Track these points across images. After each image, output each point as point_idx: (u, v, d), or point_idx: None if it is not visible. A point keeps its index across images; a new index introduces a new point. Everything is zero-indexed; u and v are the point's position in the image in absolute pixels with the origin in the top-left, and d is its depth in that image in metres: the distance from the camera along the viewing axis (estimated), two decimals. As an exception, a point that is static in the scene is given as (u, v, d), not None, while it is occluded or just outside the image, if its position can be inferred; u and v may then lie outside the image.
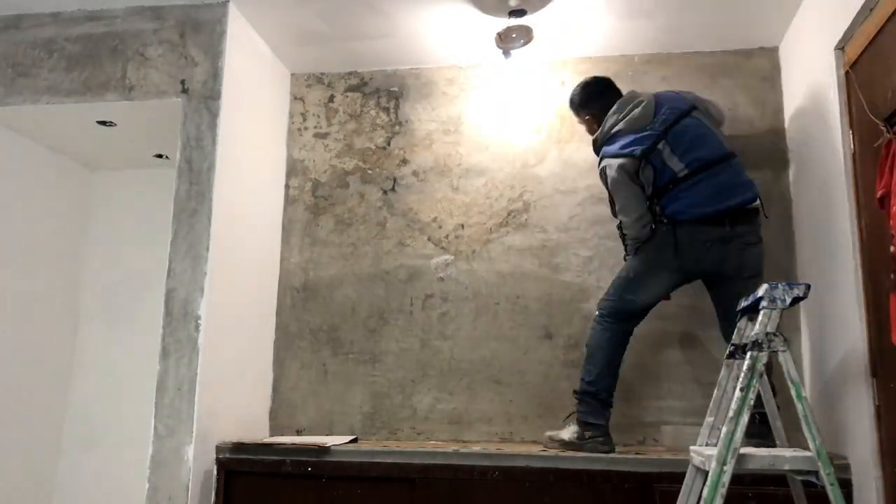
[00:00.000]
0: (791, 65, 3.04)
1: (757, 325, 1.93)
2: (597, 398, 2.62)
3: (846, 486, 2.37)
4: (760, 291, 1.94)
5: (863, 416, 2.29)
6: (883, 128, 2.06)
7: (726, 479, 1.81)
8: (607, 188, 2.75)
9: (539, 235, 3.23)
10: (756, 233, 2.62)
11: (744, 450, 1.86)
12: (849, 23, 2.28)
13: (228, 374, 2.89)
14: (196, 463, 2.63)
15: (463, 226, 3.30)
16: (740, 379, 1.89)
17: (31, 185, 3.46)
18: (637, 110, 2.70)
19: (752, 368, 1.87)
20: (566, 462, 2.57)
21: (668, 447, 2.89)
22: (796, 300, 1.92)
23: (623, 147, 2.66)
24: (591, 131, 2.92)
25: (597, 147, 2.82)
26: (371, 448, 2.70)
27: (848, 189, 2.38)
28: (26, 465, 3.42)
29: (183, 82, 2.93)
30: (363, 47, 3.30)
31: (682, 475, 2.23)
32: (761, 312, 1.93)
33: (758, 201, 2.65)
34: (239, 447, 2.76)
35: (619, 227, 2.81)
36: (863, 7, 2.17)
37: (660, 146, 2.63)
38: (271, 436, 3.21)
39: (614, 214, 2.81)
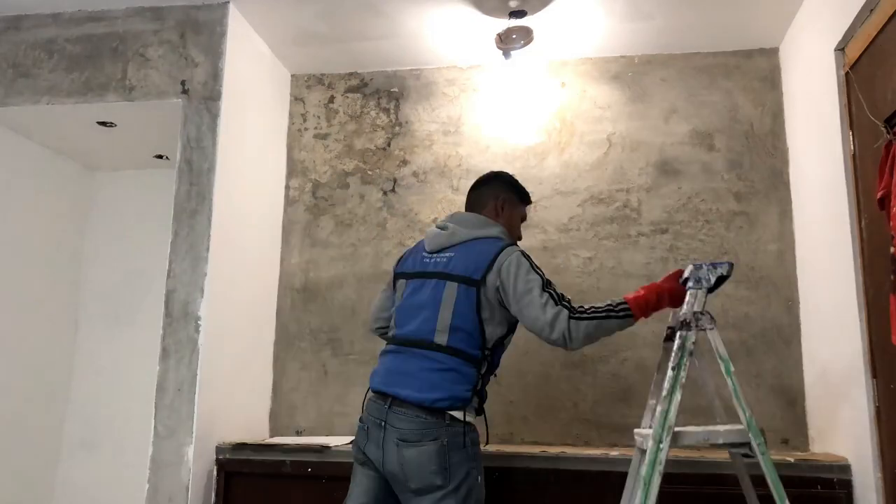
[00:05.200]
0: (791, 65, 3.04)
1: (685, 306, 1.96)
2: None
3: (846, 487, 2.37)
4: (686, 273, 1.99)
5: (863, 417, 2.28)
6: (883, 129, 2.06)
7: (663, 456, 1.84)
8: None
9: (539, 236, 3.23)
10: (423, 432, 1.95)
11: (678, 427, 1.89)
12: (849, 23, 2.28)
13: (228, 374, 2.89)
14: (196, 463, 2.63)
15: (463, 226, 3.30)
16: (672, 358, 1.92)
17: (31, 185, 3.46)
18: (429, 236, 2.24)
19: (682, 348, 1.91)
20: (566, 463, 2.57)
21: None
22: (721, 279, 1.97)
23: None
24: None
25: None
26: (371, 449, 2.69)
27: (848, 190, 2.39)
28: (26, 466, 3.42)
29: (183, 83, 2.93)
30: (363, 48, 3.30)
31: (683, 475, 2.24)
32: (688, 293, 1.97)
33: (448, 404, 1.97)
34: (239, 448, 2.76)
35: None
36: (863, 8, 2.17)
37: (404, 292, 2.16)
38: (271, 436, 3.21)
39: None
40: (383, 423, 1.99)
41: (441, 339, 2.00)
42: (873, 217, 2.20)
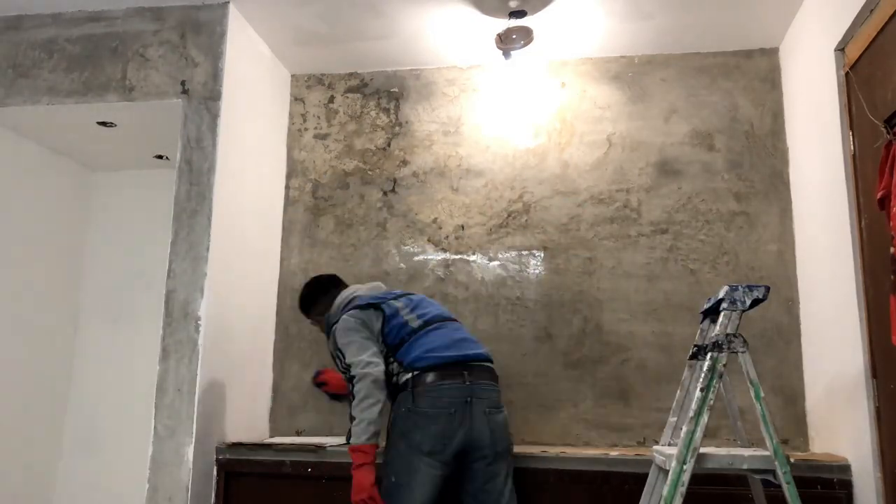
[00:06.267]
0: (791, 66, 3.04)
1: (717, 327, 1.94)
2: None
3: (846, 487, 2.37)
4: (721, 293, 1.96)
5: (863, 417, 2.28)
6: (883, 129, 2.06)
7: (686, 477, 1.83)
8: (337, 350, 2.44)
9: (539, 236, 3.23)
10: (499, 398, 2.42)
11: (703, 449, 1.88)
12: (849, 24, 2.28)
13: (228, 374, 2.89)
14: (196, 463, 2.63)
15: (463, 227, 3.30)
16: (700, 379, 1.91)
17: (31, 185, 3.46)
18: (367, 286, 2.66)
19: (712, 369, 1.89)
20: (566, 463, 2.57)
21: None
22: (756, 302, 1.93)
23: (356, 307, 2.50)
24: (323, 331, 2.68)
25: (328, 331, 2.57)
26: (371, 449, 2.69)
27: (848, 190, 2.39)
28: (26, 466, 3.42)
29: (183, 83, 2.93)
30: (363, 48, 3.30)
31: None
32: (722, 314, 1.94)
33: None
34: (238, 447, 2.76)
35: (350, 392, 2.37)
36: (863, 8, 2.18)
37: (394, 301, 2.51)
38: (271, 437, 3.21)
39: (346, 376, 2.41)
40: (469, 399, 2.30)
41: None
42: (873, 217, 2.21)
